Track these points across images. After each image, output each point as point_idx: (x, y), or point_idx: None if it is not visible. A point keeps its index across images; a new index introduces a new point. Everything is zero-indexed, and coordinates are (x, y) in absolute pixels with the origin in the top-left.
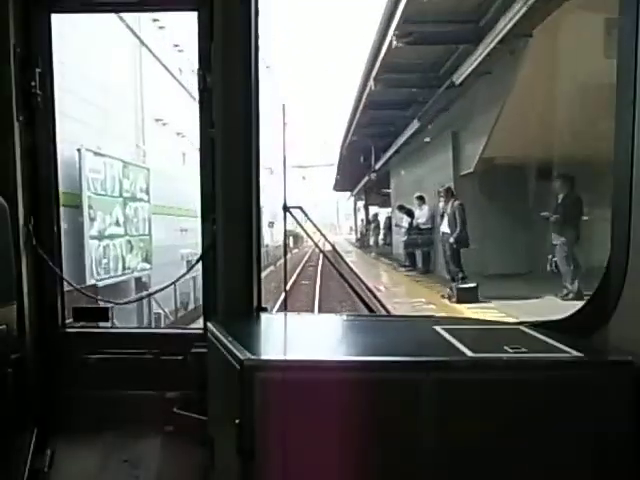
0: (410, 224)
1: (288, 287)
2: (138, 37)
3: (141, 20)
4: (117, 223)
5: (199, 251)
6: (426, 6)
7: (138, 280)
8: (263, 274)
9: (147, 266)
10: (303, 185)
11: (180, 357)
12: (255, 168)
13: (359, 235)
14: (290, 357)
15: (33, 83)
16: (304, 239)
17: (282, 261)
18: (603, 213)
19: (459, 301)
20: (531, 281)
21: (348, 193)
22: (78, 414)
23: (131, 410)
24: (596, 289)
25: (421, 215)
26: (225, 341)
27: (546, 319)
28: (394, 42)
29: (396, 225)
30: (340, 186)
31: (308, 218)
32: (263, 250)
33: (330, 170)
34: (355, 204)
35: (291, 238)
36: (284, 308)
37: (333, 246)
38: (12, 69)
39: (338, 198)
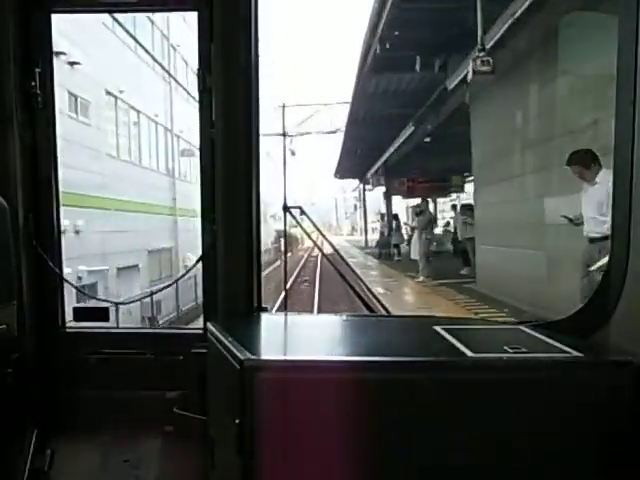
0: None
1: None
2: None
3: None
4: None
5: (108, 264)
6: None
7: None
8: None
9: None
10: (293, 164)
11: (180, 357)
12: (255, 168)
13: (378, 237)
14: (290, 357)
15: (33, 83)
16: (299, 240)
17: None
18: None
19: None
20: None
21: (347, 189)
22: (78, 414)
23: (131, 410)
24: (596, 289)
25: None
26: (225, 341)
27: (546, 319)
28: None
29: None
30: (344, 171)
31: (309, 218)
32: None
33: (330, 142)
34: (363, 195)
35: (282, 240)
36: (284, 308)
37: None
38: (12, 69)
39: (336, 195)
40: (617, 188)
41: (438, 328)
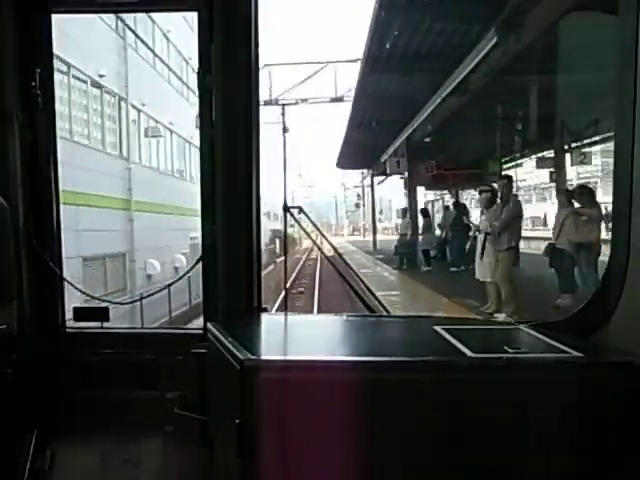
0: None
1: None
2: None
3: None
4: None
5: None
6: None
7: None
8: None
9: None
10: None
11: (180, 357)
12: (255, 168)
13: (398, 239)
14: (290, 357)
15: (33, 83)
16: (297, 241)
17: None
18: None
19: None
20: None
21: (348, 185)
22: (78, 414)
23: (131, 410)
24: (596, 289)
25: None
26: (225, 341)
27: (546, 319)
28: None
29: None
30: (348, 159)
31: (309, 218)
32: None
33: (333, 117)
34: (372, 187)
35: (277, 241)
36: (284, 308)
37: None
38: (12, 69)
39: (336, 193)
40: (617, 188)
41: (438, 328)
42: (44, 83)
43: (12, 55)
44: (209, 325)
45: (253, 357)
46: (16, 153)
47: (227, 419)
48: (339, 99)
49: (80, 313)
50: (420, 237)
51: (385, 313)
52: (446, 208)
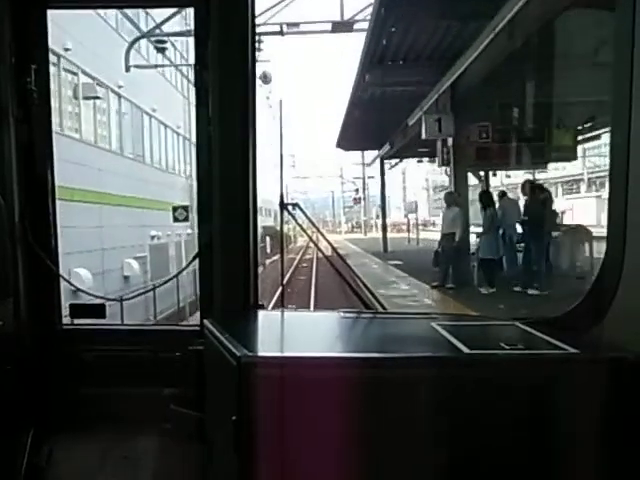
0: None
1: None
2: None
3: None
4: None
5: None
6: None
7: None
8: None
9: None
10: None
11: (177, 354)
12: (252, 166)
13: (439, 240)
14: (287, 354)
15: (29, 79)
16: (291, 239)
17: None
18: None
19: None
20: None
21: (346, 176)
22: (75, 411)
23: (128, 407)
24: (592, 286)
25: None
26: (222, 338)
27: (542, 316)
28: None
29: None
30: (354, 136)
31: (306, 216)
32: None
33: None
34: (381, 174)
35: (267, 239)
36: (281, 304)
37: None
38: (8, 65)
39: (333, 185)
40: (613, 187)
41: (435, 325)
42: (40, 79)
43: (7, 51)
44: (206, 322)
45: (250, 354)
46: (12, 149)
47: (224, 416)
48: (346, 25)
49: (76, 310)
50: (478, 239)
51: (382, 309)
52: (502, 195)
